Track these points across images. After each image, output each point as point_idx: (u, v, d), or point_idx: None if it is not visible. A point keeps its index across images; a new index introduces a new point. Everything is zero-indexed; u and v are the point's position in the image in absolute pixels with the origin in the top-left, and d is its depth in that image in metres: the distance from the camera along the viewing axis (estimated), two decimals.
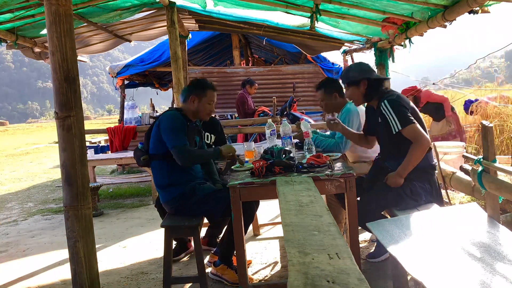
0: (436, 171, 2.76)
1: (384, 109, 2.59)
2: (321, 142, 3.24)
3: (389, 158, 2.74)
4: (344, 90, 2.88)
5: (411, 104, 2.66)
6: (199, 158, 2.89)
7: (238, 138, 6.99)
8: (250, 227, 3.53)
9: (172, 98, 10.77)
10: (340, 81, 3.02)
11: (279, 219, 4.16)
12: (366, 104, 2.96)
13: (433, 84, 7.01)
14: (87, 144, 8.22)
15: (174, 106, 3.13)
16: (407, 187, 2.56)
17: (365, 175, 3.11)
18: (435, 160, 2.78)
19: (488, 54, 4.91)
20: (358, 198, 2.75)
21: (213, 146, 3.42)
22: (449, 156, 4.56)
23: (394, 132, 2.55)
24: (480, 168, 2.24)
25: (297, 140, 3.42)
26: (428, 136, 2.54)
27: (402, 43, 4.22)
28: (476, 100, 6.46)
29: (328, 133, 3.72)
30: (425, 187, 2.60)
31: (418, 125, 2.53)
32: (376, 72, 2.87)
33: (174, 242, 3.41)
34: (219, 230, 3.52)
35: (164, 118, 2.80)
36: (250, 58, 11.89)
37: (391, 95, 2.64)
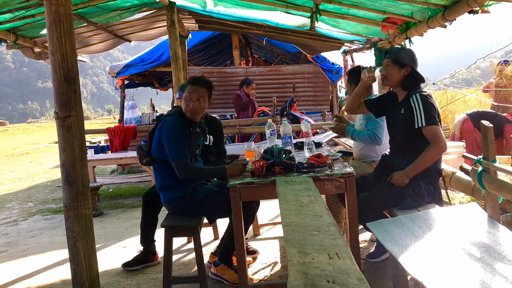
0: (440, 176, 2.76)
1: (414, 102, 2.56)
2: (359, 135, 3.23)
3: (399, 155, 2.72)
4: (384, 64, 2.80)
5: (437, 106, 2.65)
6: (200, 176, 2.80)
7: (236, 138, 6.98)
8: (250, 227, 3.53)
9: (172, 98, 10.77)
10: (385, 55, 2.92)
11: (279, 219, 4.16)
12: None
13: (433, 84, 7.01)
14: (87, 144, 8.22)
15: (175, 106, 3.05)
16: (410, 187, 2.55)
17: (364, 174, 3.11)
18: (442, 166, 2.77)
19: (488, 54, 4.92)
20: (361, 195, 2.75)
21: (211, 146, 3.39)
22: (449, 156, 4.56)
23: (416, 127, 2.53)
24: (480, 168, 2.24)
25: (297, 140, 3.41)
26: (446, 143, 2.54)
27: (402, 43, 4.22)
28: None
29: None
30: (429, 189, 2.60)
31: (441, 129, 2.53)
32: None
33: (138, 251, 3.39)
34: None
35: (165, 125, 2.75)
36: (250, 58, 11.89)
37: (424, 91, 2.63)
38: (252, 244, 3.54)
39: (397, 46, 4.35)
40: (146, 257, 3.34)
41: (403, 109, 2.65)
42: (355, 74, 3.33)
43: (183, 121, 2.79)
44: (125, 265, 3.31)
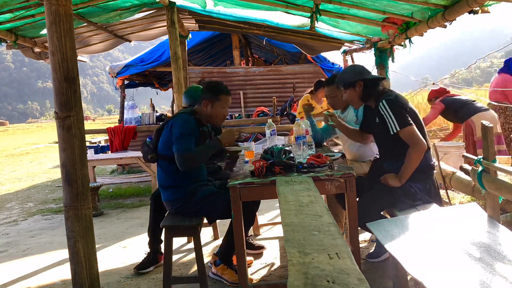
0: (435, 171, 2.75)
1: (383, 110, 2.59)
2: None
3: (387, 159, 2.74)
4: (342, 94, 2.91)
5: (410, 104, 2.66)
6: (200, 157, 2.74)
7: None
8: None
9: (172, 98, 10.77)
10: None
11: (279, 219, 4.16)
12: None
13: (433, 84, 7.01)
14: (87, 144, 8.21)
15: (187, 108, 3.03)
16: (400, 189, 2.56)
17: (364, 175, 3.11)
18: (434, 160, 2.77)
19: (488, 54, 4.92)
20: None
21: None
22: (449, 156, 4.56)
23: (392, 133, 2.55)
24: (480, 168, 2.24)
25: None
26: (423, 139, 2.54)
27: (402, 43, 4.22)
28: None
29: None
30: (422, 187, 2.60)
31: (415, 128, 2.53)
32: (374, 72, 2.85)
33: (145, 253, 3.37)
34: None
35: (177, 122, 2.74)
36: (250, 58, 11.89)
37: (389, 95, 2.63)
38: None
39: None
40: (156, 257, 3.32)
41: (377, 118, 2.69)
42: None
43: (195, 120, 2.81)
44: (138, 268, 3.24)
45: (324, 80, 5.38)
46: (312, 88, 5.50)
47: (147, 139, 2.97)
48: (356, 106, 2.88)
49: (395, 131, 2.54)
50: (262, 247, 3.50)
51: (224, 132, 2.80)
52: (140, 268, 3.24)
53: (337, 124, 3.10)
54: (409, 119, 2.54)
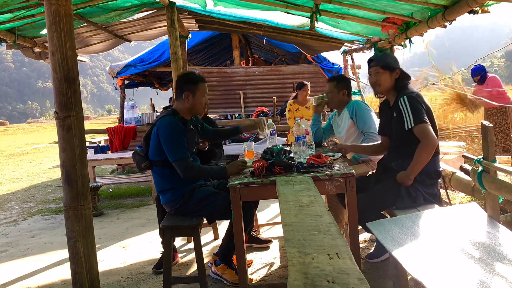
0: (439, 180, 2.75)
1: (402, 104, 2.59)
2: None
3: (396, 158, 2.71)
4: (371, 73, 2.81)
5: (428, 104, 2.66)
6: (201, 175, 2.82)
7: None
8: None
9: (172, 98, 10.75)
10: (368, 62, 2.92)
11: (279, 219, 4.16)
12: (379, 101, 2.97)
13: (433, 84, 7.00)
14: (87, 144, 8.22)
15: (169, 107, 3.06)
16: (407, 189, 2.55)
17: (365, 174, 3.11)
18: (442, 167, 2.77)
19: (488, 54, 4.92)
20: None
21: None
22: (449, 156, 4.57)
23: (406, 128, 2.55)
24: (480, 168, 2.24)
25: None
26: (436, 139, 2.54)
27: (402, 43, 4.22)
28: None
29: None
30: (429, 191, 2.60)
31: (430, 126, 2.53)
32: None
33: (160, 252, 3.36)
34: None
35: (162, 127, 2.72)
36: (250, 58, 11.89)
37: (411, 92, 2.65)
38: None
39: (398, 46, 4.36)
40: (172, 255, 3.33)
41: (395, 112, 2.68)
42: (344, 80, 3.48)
43: (179, 120, 2.78)
44: (156, 267, 3.24)
45: (301, 82, 5.75)
46: (295, 93, 5.67)
47: (137, 147, 2.97)
48: (380, 90, 2.81)
49: (409, 126, 2.54)
50: (269, 241, 3.58)
51: (232, 164, 2.73)
52: (158, 267, 3.23)
53: (350, 149, 3.09)
54: (425, 117, 2.55)
